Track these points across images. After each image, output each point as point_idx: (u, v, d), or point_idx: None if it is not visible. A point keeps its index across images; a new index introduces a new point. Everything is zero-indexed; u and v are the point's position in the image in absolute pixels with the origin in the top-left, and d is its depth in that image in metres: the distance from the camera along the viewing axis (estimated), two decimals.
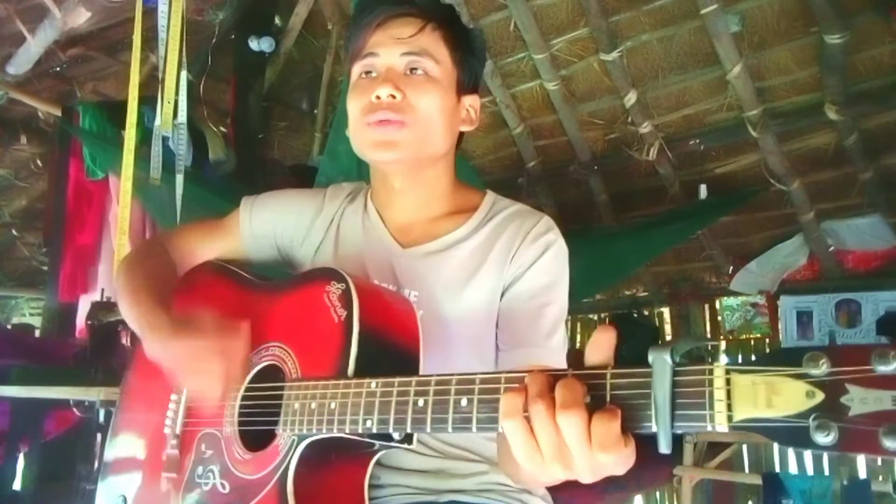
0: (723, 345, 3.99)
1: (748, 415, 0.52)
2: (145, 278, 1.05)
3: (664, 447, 0.56)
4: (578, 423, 0.59)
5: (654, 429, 0.57)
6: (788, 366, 0.51)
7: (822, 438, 0.49)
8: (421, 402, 0.70)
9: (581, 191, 3.85)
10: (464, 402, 0.67)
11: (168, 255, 1.14)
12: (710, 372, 0.55)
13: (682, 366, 0.57)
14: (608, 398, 0.60)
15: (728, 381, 0.54)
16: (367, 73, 1.04)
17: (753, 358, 0.53)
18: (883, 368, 0.48)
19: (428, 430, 0.70)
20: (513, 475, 0.97)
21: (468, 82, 1.09)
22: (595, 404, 0.60)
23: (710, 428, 0.54)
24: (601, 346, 0.62)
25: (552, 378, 0.62)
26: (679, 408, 0.56)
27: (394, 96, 0.99)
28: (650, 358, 0.57)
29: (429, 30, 1.03)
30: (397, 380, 0.73)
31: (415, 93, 1.01)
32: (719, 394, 0.54)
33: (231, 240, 1.16)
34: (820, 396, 0.50)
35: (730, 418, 0.53)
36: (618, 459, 0.59)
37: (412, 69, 1.02)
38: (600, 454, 0.59)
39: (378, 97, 1.00)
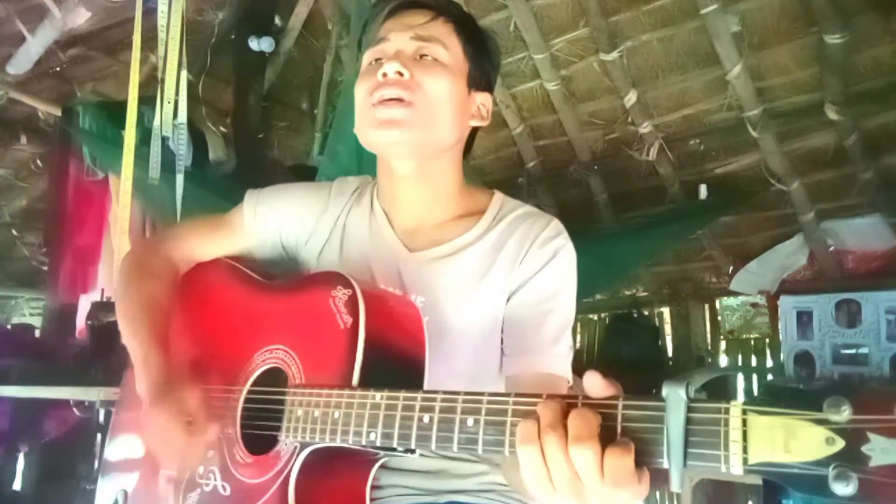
0: (723, 345, 3.99)
1: (764, 458, 0.51)
2: (143, 301, 1.05)
3: (675, 486, 0.55)
4: (591, 457, 0.57)
5: (666, 465, 0.55)
6: (808, 409, 0.50)
7: (842, 489, 0.47)
8: (426, 419, 0.69)
9: (581, 191, 3.85)
10: (470, 422, 0.66)
11: (169, 262, 1.12)
12: (727, 411, 0.53)
13: (698, 401, 0.55)
14: (619, 430, 0.58)
15: (745, 422, 0.52)
16: (377, 59, 1.03)
17: (764, 390, 0.50)
18: None
19: (433, 447, 0.68)
20: (516, 487, 0.96)
21: (480, 79, 1.07)
22: (606, 435, 0.58)
23: (723, 469, 0.52)
24: (594, 389, 0.61)
25: (565, 406, 0.60)
26: (692, 445, 0.54)
27: (401, 73, 0.97)
28: (664, 392, 0.55)
29: (441, 21, 1.03)
30: (402, 394, 0.72)
31: (422, 73, 0.99)
32: (735, 434, 0.52)
33: (235, 237, 1.13)
34: (840, 444, 0.48)
35: (745, 461, 0.51)
36: (631, 494, 0.58)
37: (422, 55, 1.01)
38: (613, 489, 0.57)
39: (385, 74, 0.98)
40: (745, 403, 0.53)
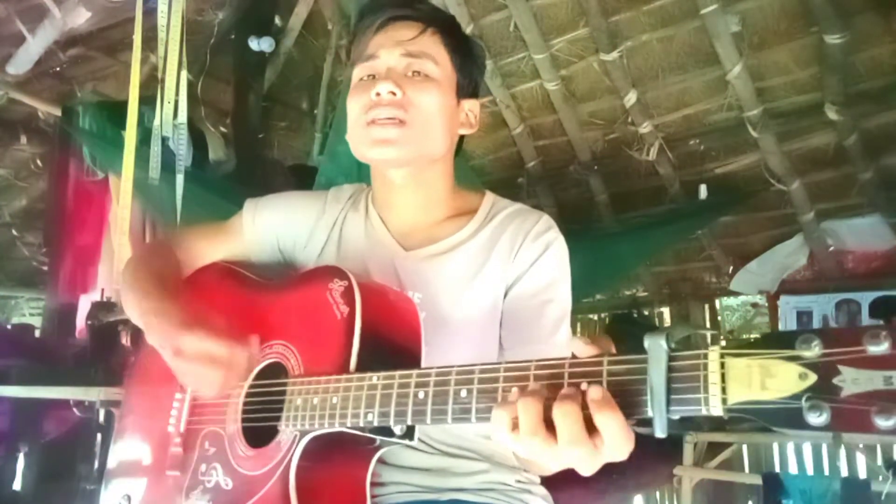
0: (722, 343, 3.99)
1: (743, 397, 0.53)
2: (153, 271, 1.06)
3: (660, 431, 0.57)
4: (585, 453, 0.61)
5: (650, 413, 0.57)
6: (782, 347, 0.52)
7: (815, 419, 0.49)
8: (421, 395, 0.71)
9: (581, 191, 3.85)
10: (463, 392, 0.68)
11: (174, 256, 1.15)
12: (705, 356, 0.55)
13: (678, 350, 0.57)
14: (604, 385, 0.60)
15: (723, 365, 0.54)
16: (369, 75, 1.05)
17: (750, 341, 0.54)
18: (874, 349, 0.48)
19: (428, 421, 0.71)
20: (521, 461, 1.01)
21: (467, 87, 1.10)
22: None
23: (704, 411, 0.55)
24: (580, 352, 0.64)
25: (545, 394, 0.63)
26: (675, 392, 0.56)
27: (394, 93, 1.00)
28: (646, 343, 0.58)
29: (429, 33, 1.05)
30: (398, 373, 0.74)
31: (415, 91, 1.02)
32: (714, 377, 0.54)
33: (234, 243, 1.17)
34: (813, 378, 0.50)
35: (724, 401, 0.54)
36: (617, 429, 0.60)
37: (413, 71, 1.03)
38: (610, 456, 0.61)
39: (378, 94, 1.00)
40: (722, 348, 0.55)
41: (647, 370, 0.57)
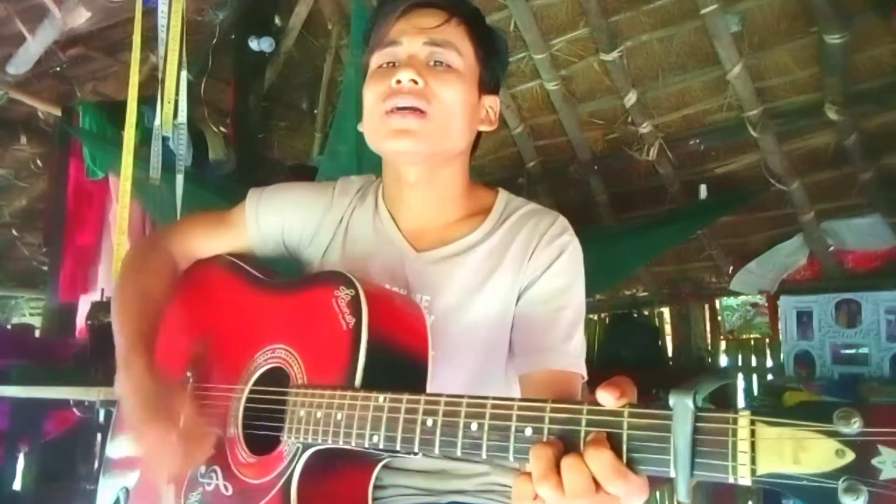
0: (723, 345, 3.99)
1: (773, 469, 0.50)
2: (136, 297, 1.04)
3: (683, 496, 0.55)
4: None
5: (673, 475, 0.55)
6: (818, 420, 0.49)
7: (851, 502, 0.46)
8: (430, 423, 0.69)
9: (581, 191, 3.85)
10: (474, 426, 0.65)
11: (168, 257, 1.11)
12: (735, 421, 0.52)
13: (705, 410, 0.54)
14: (625, 438, 0.58)
15: (753, 433, 0.51)
16: (388, 63, 1.00)
17: (767, 396, 0.50)
18: None
19: (436, 451, 0.68)
20: None
21: (489, 82, 1.06)
22: (613, 445, 0.58)
23: (731, 480, 0.52)
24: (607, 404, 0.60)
25: (558, 451, 0.60)
26: (699, 455, 0.54)
27: (415, 81, 0.95)
28: (671, 401, 0.55)
29: (454, 23, 1.00)
30: (405, 396, 0.72)
31: (437, 82, 0.97)
32: (743, 445, 0.51)
33: (237, 235, 1.12)
34: (850, 456, 0.47)
35: (753, 472, 0.51)
36: (628, 499, 0.59)
37: (436, 61, 0.98)
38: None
39: (399, 81, 0.95)
40: (753, 413, 0.52)
41: (672, 429, 0.54)
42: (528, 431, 0.62)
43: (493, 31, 1.07)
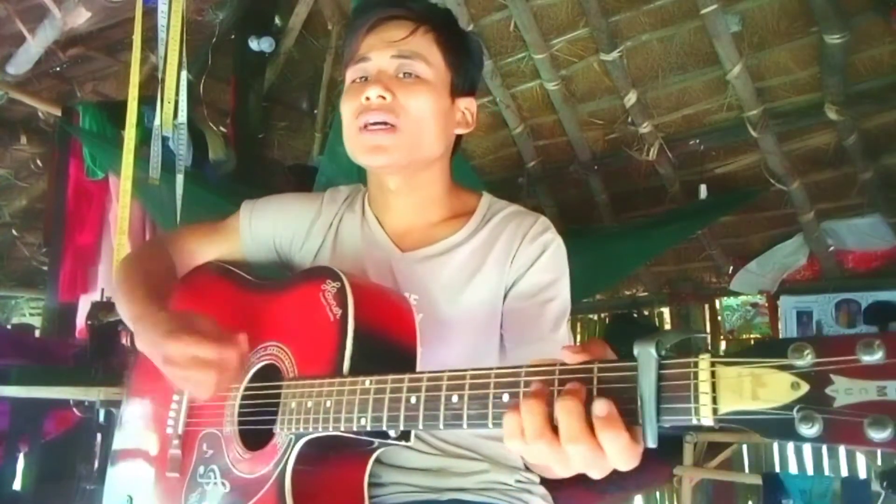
0: (723, 345, 3.99)
1: (734, 407, 0.52)
2: (143, 276, 1.05)
3: (650, 441, 0.56)
4: (587, 451, 0.59)
5: (640, 422, 0.56)
6: (774, 356, 0.51)
7: (807, 430, 0.48)
8: (413, 399, 0.71)
9: (581, 191, 3.85)
10: (455, 398, 0.68)
11: (168, 257, 1.14)
12: (696, 364, 0.54)
13: (668, 358, 0.56)
14: (595, 392, 0.60)
15: (713, 374, 0.53)
16: (361, 77, 1.04)
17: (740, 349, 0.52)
18: (868, 358, 0.47)
19: (420, 426, 0.70)
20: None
21: (463, 85, 1.08)
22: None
23: (695, 421, 0.54)
24: (570, 359, 0.63)
25: (547, 396, 0.61)
26: (664, 401, 0.55)
27: (383, 97, 0.99)
28: (635, 351, 0.57)
29: (421, 32, 1.03)
30: (390, 377, 0.74)
31: (405, 94, 1.00)
32: (704, 386, 0.53)
33: (231, 243, 1.17)
34: (805, 388, 0.49)
35: (715, 411, 0.53)
36: (622, 447, 0.58)
37: (404, 73, 1.01)
38: (616, 463, 0.59)
39: (368, 98, 0.99)
40: (713, 356, 0.54)
41: (637, 378, 0.56)
42: (506, 397, 0.65)
43: (464, 35, 1.10)
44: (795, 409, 0.49)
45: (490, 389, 0.65)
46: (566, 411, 0.59)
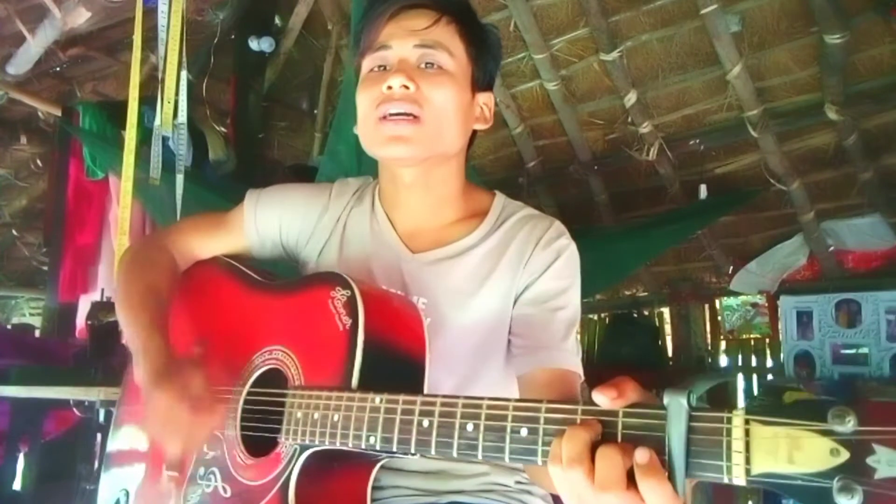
0: (723, 345, 3.99)
1: (768, 469, 0.50)
2: (144, 291, 1.02)
3: (679, 493, 0.54)
4: (621, 500, 0.56)
5: (667, 474, 0.54)
6: (813, 419, 0.49)
7: (846, 501, 0.46)
8: (426, 423, 0.69)
9: (581, 191, 3.85)
10: (469, 426, 0.66)
11: (169, 255, 1.11)
12: (729, 420, 0.52)
13: (699, 409, 0.54)
14: (619, 438, 0.57)
15: (748, 432, 0.51)
16: (379, 66, 1.00)
17: (767, 396, 0.49)
18: None
19: (433, 452, 0.68)
20: (544, 486, 0.99)
21: (483, 79, 1.05)
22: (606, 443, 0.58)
23: (726, 480, 0.51)
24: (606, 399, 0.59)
25: (590, 436, 0.58)
26: (694, 455, 0.53)
27: (407, 87, 0.95)
28: (665, 400, 0.54)
29: (444, 23, 0.99)
30: (401, 398, 0.72)
31: (429, 86, 0.96)
32: (737, 444, 0.51)
33: (235, 236, 1.13)
34: (845, 455, 0.47)
35: (748, 471, 0.50)
36: (666, 498, 0.56)
37: (427, 63, 0.98)
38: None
39: (390, 87, 0.95)
40: (747, 412, 0.52)
41: (666, 428, 0.54)
42: (524, 432, 0.62)
43: (484, 28, 1.06)
44: (835, 479, 0.47)
45: (508, 423, 0.63)
46: (604, 458, 0.57)
